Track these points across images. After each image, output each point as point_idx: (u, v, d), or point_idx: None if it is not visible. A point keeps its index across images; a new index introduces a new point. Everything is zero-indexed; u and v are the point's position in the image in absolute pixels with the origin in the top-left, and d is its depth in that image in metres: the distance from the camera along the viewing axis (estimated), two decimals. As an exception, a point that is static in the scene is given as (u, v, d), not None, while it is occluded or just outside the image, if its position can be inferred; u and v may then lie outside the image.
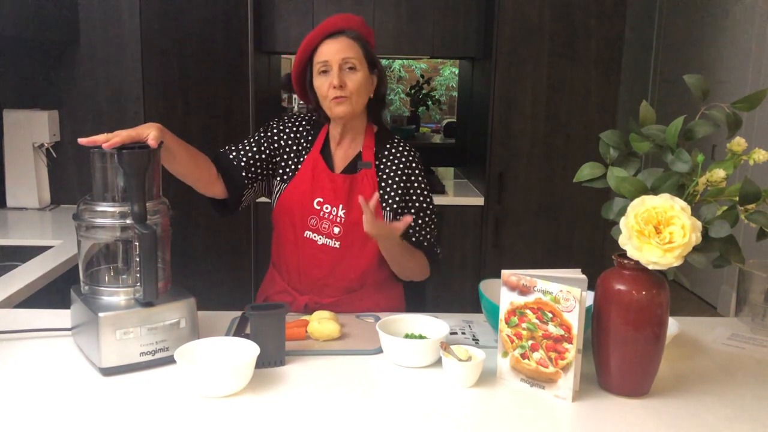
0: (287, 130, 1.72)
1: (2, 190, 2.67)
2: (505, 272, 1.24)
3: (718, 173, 1.16)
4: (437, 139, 5.84)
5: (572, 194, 3.20)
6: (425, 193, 1.72)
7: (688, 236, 1.07)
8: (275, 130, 1.72)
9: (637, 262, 1.14)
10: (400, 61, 6.88)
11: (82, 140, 1.30)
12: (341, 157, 1.70)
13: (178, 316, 1.31)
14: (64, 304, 1.46)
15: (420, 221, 1.70)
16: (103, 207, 1.30)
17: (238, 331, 1.43)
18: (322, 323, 1.43)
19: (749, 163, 1.19)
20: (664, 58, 5.11)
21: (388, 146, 1.71)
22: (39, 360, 1.31)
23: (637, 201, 1.12)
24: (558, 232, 3.26)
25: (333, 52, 1.59)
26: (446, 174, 3.94)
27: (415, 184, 1.70)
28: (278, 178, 1.71)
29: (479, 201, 3.24)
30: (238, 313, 1.58)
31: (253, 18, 3.25)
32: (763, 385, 1.30)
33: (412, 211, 1.69)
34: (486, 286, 1.47)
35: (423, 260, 1.71)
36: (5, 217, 2.53)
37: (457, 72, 5.50)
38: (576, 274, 1.25)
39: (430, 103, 6.30)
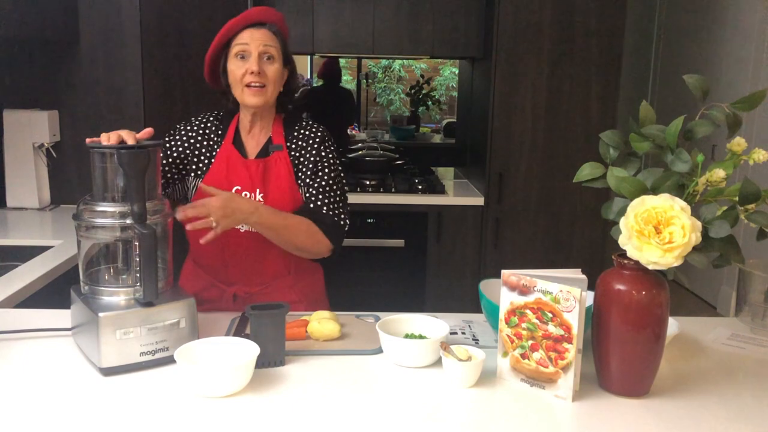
0: (195, 128, 1.74)
1: (2, 190, 2.67)
2: (505, 272, 1.24)
3: (718, 173, 1.16)
4: (437, 139, 5.84)
5: (572, 194, 3.20)
6: (332, 163, 1.73)
7: (688, 236, 1.07)
8: (182, 132, 1.73)
9: (637, 262, 1.14)
10: (400, 61, 6.88)
11: (89, 140, 1.33)
12: (253, 145, 1.74)
13: (178, 316, 1.31)
14: (64, 304, 1.46)
15: (322, 190, 1.69)
16: (103, 207, 1.30)
17: (238, 331, 1.44)
18: (322, 323, 1.43)
19: (749, 163, 1.19)
20: (664, 58, 5.11)
21: (297, 127, 1.76)
22: (39, 360, 1.31)
23: (637, 201, 1.12)
24: (558, 232, 3.26)
25: (254, 39, 1.63)
26: (446, 174, 3.94)
27: (324, 155, 1.73)
28: (192, 175, 1.72)
29: (479, 201, 3.24)
30: (238, 313, 1.58)
31: (253, 18, 3.25)
32: (763, 385, 1.30)
33: (318, 180, 1.70)
34: (486, 286, 1.47)
35: (309, 229, 1.64)
36: (5, 217, 2.53)
37: (457, 72, 5.50)
38: (576, 274, 1.25)
39: (430, 103, 6.30)
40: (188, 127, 1.74)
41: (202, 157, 1.72)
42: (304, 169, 1.72)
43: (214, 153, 1.72)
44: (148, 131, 1.36)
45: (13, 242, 2.18)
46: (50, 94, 2.67)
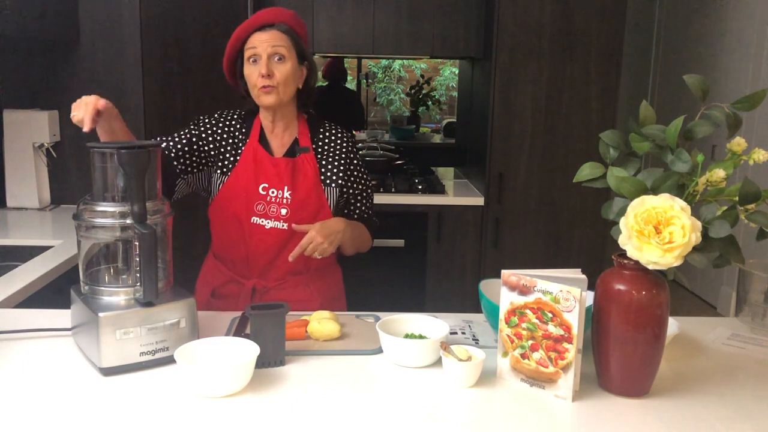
0: (220, 125, 1.75)
1: (2, 190, 2.67)
2: (505, 272, 1.24)
3: (718, 173, 1.17)
4: (437, 139, 5.84)
5: (572, 194, 3.20)
6: (363, 168, 1.84)
7: (688, 236, 1.07)
8: (207, 125, 1.74)
9: (637, 262, 1.14)
10: (400, 61, 6.88)
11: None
12: (278, 144, 1.75)
13: (178, 316, 1.31)
14: (64, 304, 1.46)
15: (364, 195, 1.84)
16: (103, 207, 1.30)
17: (238, 331, 1.44)
18: (322, 323, 1.43)
19: (749, 163, 1.19)
20: (664, 58, 5.11)
21: (322, 130, 1.79)
22: (39, 360, 1.31)
23: (637, 201, 1.12)
24: (558, 232, 3.26)
25: (262, 41, 1.64)
26: (446, 174, 3.94)
27: (355, 161, 1.80)
28: (218, 171, 1.73)
29: (479, 201, 3.24)
30: (238, 313, 1.58)
31: (253, 18, 3.25)
32: (763, 385, 1.30)
33: (355, 185, 1.80)
34: (486, 286, 1.47)
35: (367, 233, 1.85)
36: (5, 217, 2.53)
37: (457, 72, 5.50)
38: (576, 274, 1.25)
39: (430, 103, 6.30)
40: (213, 121, 1.75)
41: (228, 155, 1.72)
42: (332, 172, 1.75)
43: (239, 151, 1.72)
44: (103, 103, 1.45)
45: (13, 242, 2.18)
46: (50, 94, 2.67)
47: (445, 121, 6.07)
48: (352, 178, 1.79)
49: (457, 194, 3.35)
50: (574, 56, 3.11)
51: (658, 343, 1.19)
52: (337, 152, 1.77)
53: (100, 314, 1.23)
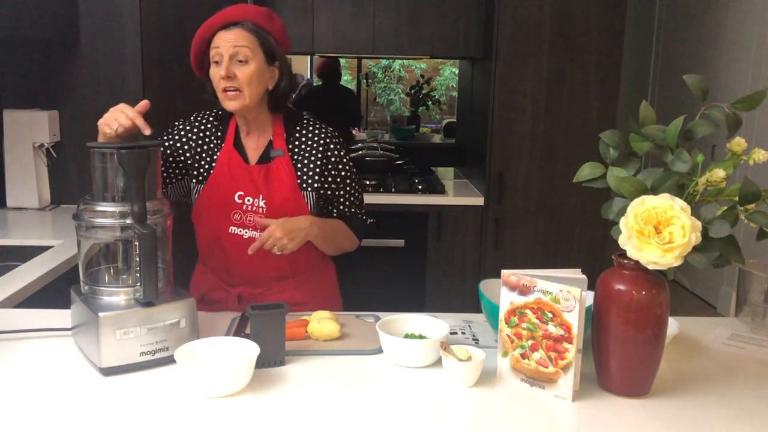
0: (195, 130, 1.71)
1: (2, 190, 2.67)
2: (505, 272, 1.24)
3: (718, 173, 1.17)
4: (437, 139, 5.84)
5: (572, 194, 3.20)
6: (344, 161, 1.73)
7: (688, 236, 1.07)
8: (182, 131, 1.71)
9: (637, 262, 1.14)
10: (400, 61, 6.88)
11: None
12: (253, 147, 1.70)
13: (178, 316, 1.31)
14: (64, 304, 1.46)
15: (343, 191, 1.75)
16: (103, 207, 1.30)
17: (238, 331, 1.44)
18: (322, 323, 1.43)
19: (749, 163, 1.19)
20: (664, 58, 5.11)
21: (298, 128, 1.71)
22: (39, 360, 1.31)
23: (637, 201, 1.12)
24: (558, 232, 3.26)
25: (224, 41, 1.56)
26: (446, 174, 3.94)
27: (333, 158, 1.71)
28: (194, 180, 1.69)
29: (479, 201, 3.24)
30: (238, 313, 1.58)
31: (253, 18, 3.25)
32: (763, 385, 1.30)
33: (333, 185, 1.73)
34: (486, 286, 1.47)
35: (346, 231, 1.77)
36: (5, 217, 2.53)
37: (457, 72, 5.50)
38: (576, 274, 1.25)
39: (430, 103, 6.31)
40: (187, 128, 1.71)
41: (203, 162, 1.69)
42: (308, 174, 1.69)
43: (215, 156, 1.68)
44: (144, 104, 1.40)
45: (13, 242, 2.18)
46: (50, 94, 2.67)
47: (445, 121, 6.07)
48: (329, 179, 1.71)
49: (457, 194, 3.35)
50: (574, 56, 3.11)
51: (658, 343, 1.19)
52: (313, 152, 1.69)
53: (100, 314, 1.23)
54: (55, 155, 2.69)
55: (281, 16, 3.42)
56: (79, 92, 2.67)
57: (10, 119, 2.60)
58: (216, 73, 1.58)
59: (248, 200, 1.65)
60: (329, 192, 1.73)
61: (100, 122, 1.43)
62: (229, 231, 1.67)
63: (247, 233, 1.66)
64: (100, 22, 2.62)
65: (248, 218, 1.66)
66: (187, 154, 1.69)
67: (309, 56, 6.29)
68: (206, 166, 1.69)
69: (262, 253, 1.65)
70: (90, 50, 2.64)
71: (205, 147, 1.70)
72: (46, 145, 2.65)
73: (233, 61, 1.56)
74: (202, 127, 1.71)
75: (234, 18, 1.58)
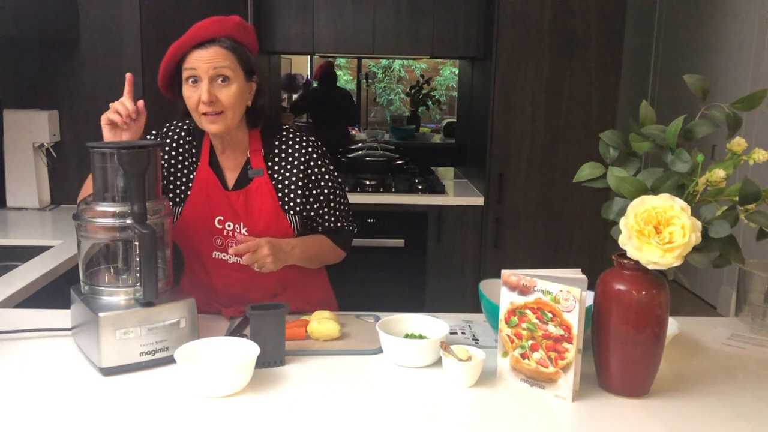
0: (168, 148, 1.61)
1: (2, 190, 2.67)
2: (505, 272, 1.24)
3: (718, 173, 1.16)
4: (437, 139, 5.84)
5: (572, 194, 3.20)
6: (327, 177, 1.64)
7: (688, 236, 1.07)
8: None
9: (637, 262, 1.14)
10: (400, 61, 6.88)
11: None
12: (230, 167, 1.60)
13: (178, 316, 1.31)
14: (64, 304, 1.46)
15: (327, 209, 1.67)
16: (103, 207, 1.30)
17: (236, 331, 1.43)
18: (322, 323, 1.43)
19: (749, 163, 1.19)
20: (664, 58, 5.11)
21: (277, 143, 1.61)
22: (39, 360, 1.31)
23: (637, 201, 1.12)
24: (558, 232, 3.26)
25: (202, 62, 1.45)
26: (446, 174, 3.94)
27: (314, 176, 1.61)
28: (171, 202, 1.59)
29: (479, 201, 3.24)
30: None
31: (253, 18, 3.25)
32: (763, 385, 1.30)
33: (317, 205, 1.64)
34: (486, 286, 1.47)
35: (329, 246, 1.70)
36: (5, 217, 2.53)
37: (457, 72, 5.50)
38: (576, 274, 1.25)
39: (430, 103, 6.31)
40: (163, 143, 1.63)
41: (179, 183, 1.61)
42: (290, 196, 1.60)
43: (191, 176, 1.60)
44: (140, 104, 1.42)
45: (13, 242, 2.18)
46: (50, 94, 2.67)
47: (445, 121, 6.07)
48: (311, 199, 1.62)
49: (457, 194, 3.35)
50: (574, 56, 3.11)
51: (658, 343, 1.19)
52: (294, 170, 1.59)
53: (100, 314, 1.23)
54: (55, 155, 2.69)
55: (281, 16, 3.43)
56: (79, 92, 2.67)
57: (10, 119, 2.60)
58: (193, 95, 1.47)
59: (228, 225, 1.58)
60: (313, 213, 1.65)
61: (103, 116, 1.43)
62: (213, 256, 1.61)
63: (231, 258, 1.60)
64: (100, 22, 2.62)
65: (230, 243, 1.58)
66: (164, 173, 1.60)
67: (309, 56, 6.29)
68: (182, 187, 1.61)
69: (249, 276, 1.59)
70: (90, 50, 2.64)
71: (180, 166, 1.61)
72: (46, 145, 2.65)
73: (214, 83, 1.46)
74: (175, 145, 1.62)
75: (210, 35, 1.47)
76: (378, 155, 3.73)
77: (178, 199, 1.62)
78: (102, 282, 1.33)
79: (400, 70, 6.73)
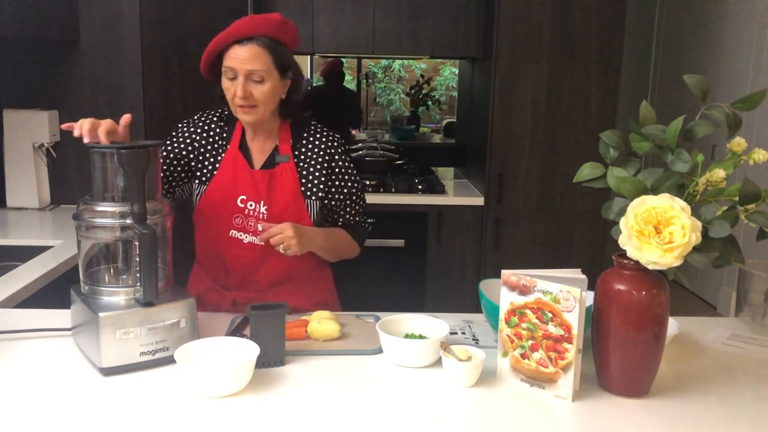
0: (199, 131, 1.69)
1: (2, 190, 2.67)
2: (505, 272, 1.24)
3: (718, 173, 1.17)
4: (437, 139, 5.84)
5: (572, 194, 3.20)
6: (349, 172, 1.74)
7: (688, 236, 1.07)
8: (186, 134, 1.69)
9: (637, 262, 1.14)
10: (400, 61, 6.88)
11: (64, 126, 1.36)
12: (258, 151, 1.69)
13: (178, 316, 1.31)
14: (64, 304, 1.46)
15: (348, 203, 1.76)
16: (103, 207, 1.30)
17: (236, 331, 1.43)
18: (322, 323, 1.43)
19: (749, 163, 1.19)
20: (664, 58, 5.11)
21: (305, 135, 1.71)
22: (39, 360, 1.31)
23: (637, 201, 1.12)
24: (558, 232, 3.26)
25: (239, 61, 1.54)
26: (446, 174, 3.94)
27: (337, 169, 1.71)
28: (197, 181, 1.68)
29: (479, 201, 3.24)
30: (239, 314, 1.58)
31: (253, 18, 3.24)
32: (763, 385, 1.30)
33: (339, 197, 1.74)
34: (486, 286, 1.47)
35: (348, 240, 1.79)
36: (5, 217, 2.53)
37: (457, 72, 5.50)
38: (576, 274, 1.25)
39: (430, 103, 6.30)
40: (191, 128, 1.70)
41: (207, 163, 1.68)
42: (312, 183, 1.68)
43: (219, 157, 1.67)
44: (125, 118, 1.38)
45: (13, 242, 2.18)
46: (50, 94, 2.67)
47: (445, 121, 6.06)
48: (333, 189, 1.71)
49: (457, 194, 3.35)
50: (574, 56, 3.11)
51: (658, 343, 1.19)
52: (319, 159, 1.68)
53: (100, 314, 1.23)
54: (55, 155, 2.69)
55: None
56: (79, 92, 2.67)
57: (10, 119, 2.60)
58: (230, 88, 1.57)
59: (251, 204, 1.65)
60: (334, 203, 1.74)
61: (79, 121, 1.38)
62: (230, 234, 1.66)
63: (247, 238, 1.65)
64: (100, 22, 2.62)
65: (249, 223, 1.65)
66: (191, 155, 1.68)
67: (309, 56, 6.29)
68: (210, 167, 1.68)
69: (261, 257, 1.66)
70: (90, 50, 2.64)
71: (210, 148, 1.69)
72: (46, 145, 2.65)
73: (250, 79, 1.56)
74: (207, 128, 1.70)
75: (247, 33, 1.55)
76: (378, 155, 3.73)
77: (204, 179, 1.68)
78: (102, 282, 1.33)
79: (400, 70, 6.72)
